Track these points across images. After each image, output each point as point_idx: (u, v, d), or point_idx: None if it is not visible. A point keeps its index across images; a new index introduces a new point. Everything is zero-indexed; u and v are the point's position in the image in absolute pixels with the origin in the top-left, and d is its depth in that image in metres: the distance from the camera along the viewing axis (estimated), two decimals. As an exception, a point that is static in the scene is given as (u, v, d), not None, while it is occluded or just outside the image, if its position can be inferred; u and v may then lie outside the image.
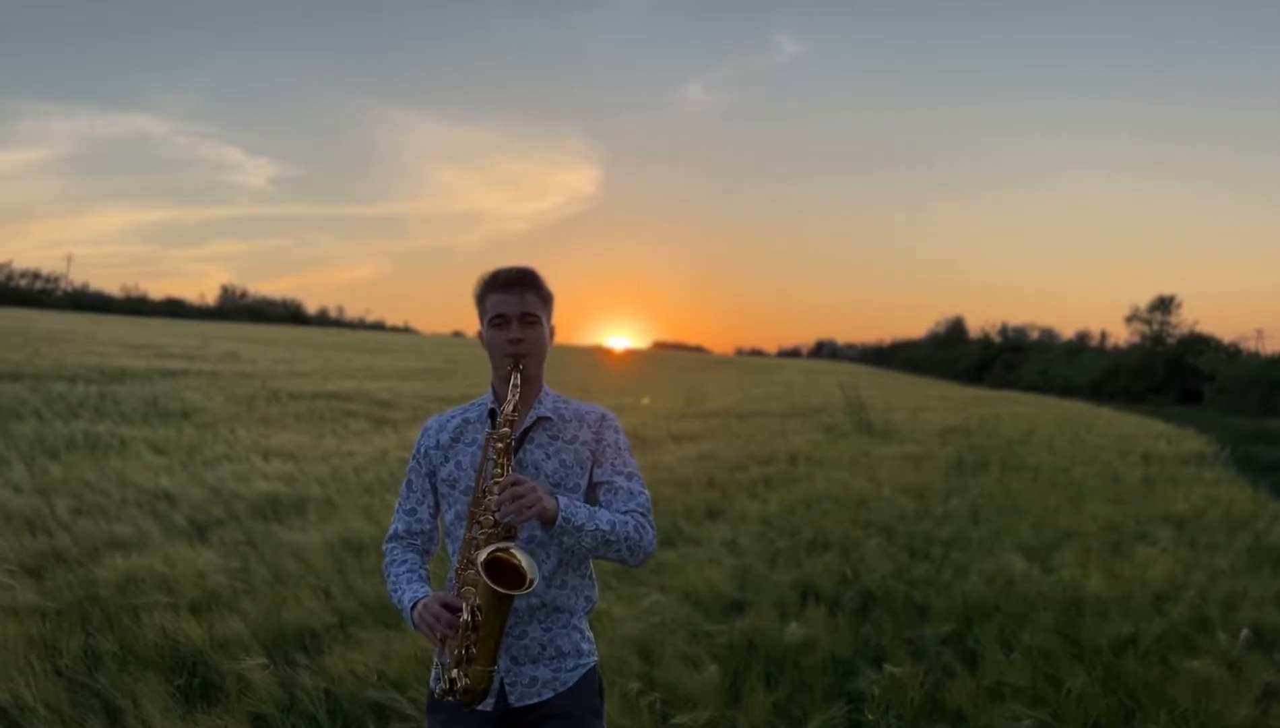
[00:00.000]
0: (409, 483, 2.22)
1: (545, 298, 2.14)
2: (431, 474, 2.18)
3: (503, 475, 1.94)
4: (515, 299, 2.08)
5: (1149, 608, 5.52)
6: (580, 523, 1.94)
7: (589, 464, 2.13)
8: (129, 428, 12.05)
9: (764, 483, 10.29)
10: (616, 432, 2.17)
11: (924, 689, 4.08)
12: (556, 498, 1.93)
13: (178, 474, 8.81)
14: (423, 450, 2.20)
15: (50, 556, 5.60)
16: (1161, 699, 4.08)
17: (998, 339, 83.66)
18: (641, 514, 2.06)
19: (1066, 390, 53.36)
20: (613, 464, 2.12)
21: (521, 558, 1.89)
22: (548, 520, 1.90)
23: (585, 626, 2.19)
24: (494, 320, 2.08)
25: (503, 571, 1.86)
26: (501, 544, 1.90)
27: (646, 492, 2.12)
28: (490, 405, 2.14)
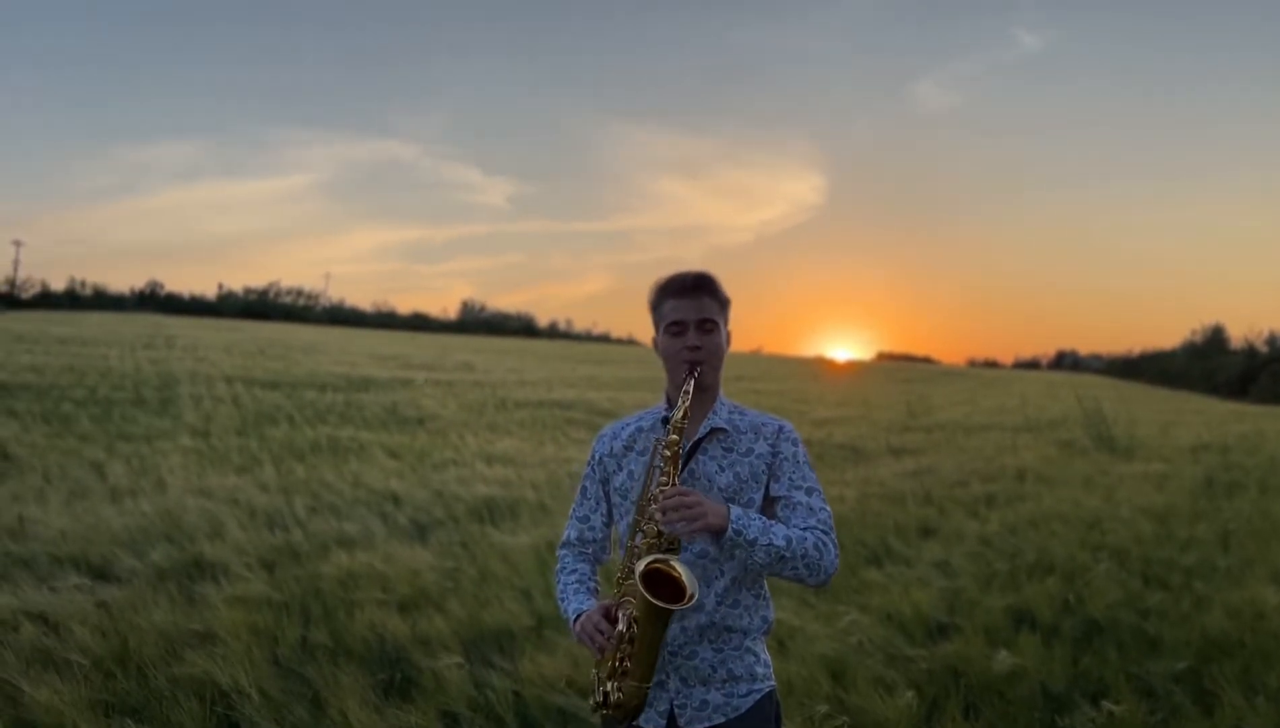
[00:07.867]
0: (583, 490, 2.20)
1: (723, 303, 2.06)
2: (605, 482, 2.16)
3: (669, 485, 1.87)
4: (693, 305, 2.01)
5: None
6: (753, 537, 1.83)
7: (764, 478, 2.03)
8: (368, 433, 12.92)
9: (986, 501, 9.76)
10: (795, 444, 2.06)
11: (1147, 731, 3.72)
12: (729, 508, 1.84)
13: (407, 477, 9.36)
14: (597, 457, 2.17)
15: (285, 550, 6.06)
16: None
17: (1264, 349, 76.27)
18: (823, 532, 1.94)
19: (1348, 406, 47.91)
20: (790, 479, 2.02)
21: (681, 571, 1.80)
22: (717, 532, 1.81)
23: (761, 648, 2.09)
24: (670, 327, 2.02)
25: (662, 583, 1.80)
26: (661, 556, 1.84)
27: (828, 508, 2.00)
28: (664, 413, 2.07)
